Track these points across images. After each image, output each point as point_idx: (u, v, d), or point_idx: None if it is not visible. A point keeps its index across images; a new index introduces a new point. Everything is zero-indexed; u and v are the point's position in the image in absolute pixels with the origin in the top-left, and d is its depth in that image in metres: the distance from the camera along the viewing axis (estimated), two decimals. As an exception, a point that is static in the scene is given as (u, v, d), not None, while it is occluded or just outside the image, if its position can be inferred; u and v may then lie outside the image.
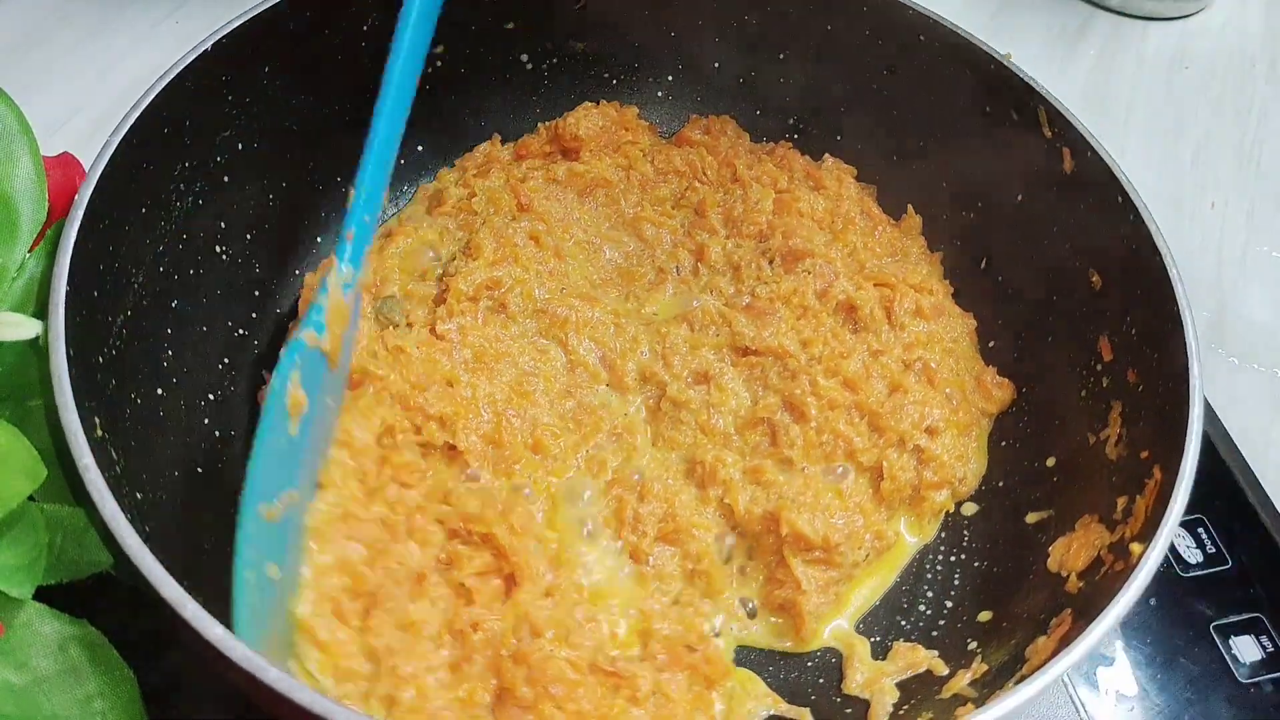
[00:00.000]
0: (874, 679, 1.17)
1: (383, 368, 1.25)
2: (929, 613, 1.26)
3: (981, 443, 1.36)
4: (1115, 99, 1.99)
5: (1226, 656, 1.30)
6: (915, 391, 1.32)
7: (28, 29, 1.86)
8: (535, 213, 1.45)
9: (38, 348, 1.01)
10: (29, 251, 1.10)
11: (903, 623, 1.26)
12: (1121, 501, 1.14)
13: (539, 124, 1.59)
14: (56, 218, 1.09)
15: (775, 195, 1.48)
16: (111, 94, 1.72)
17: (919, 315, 1.39)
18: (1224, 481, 1.44)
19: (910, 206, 1.52)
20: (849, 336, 1.37)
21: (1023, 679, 0.96)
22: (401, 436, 1.22)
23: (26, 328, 1.01)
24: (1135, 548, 1.04)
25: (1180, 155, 1.91)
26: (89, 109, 1.73)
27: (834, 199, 1.50)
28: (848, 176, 1.54)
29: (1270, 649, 1.30)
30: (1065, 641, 1.00)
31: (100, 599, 1.03)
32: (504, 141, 1.58)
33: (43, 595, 1.00)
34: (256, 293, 1.40)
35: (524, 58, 1.61)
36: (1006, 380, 1.38)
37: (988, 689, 1.08)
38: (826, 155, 1.56)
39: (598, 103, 1.58)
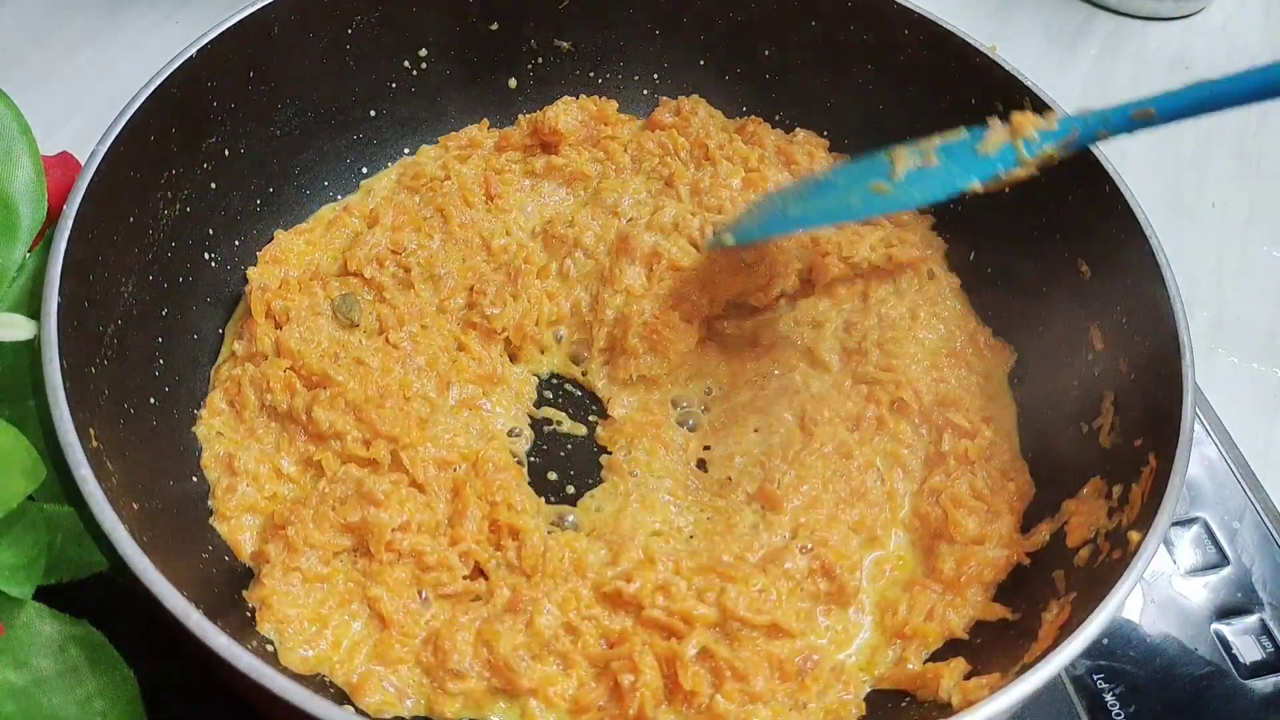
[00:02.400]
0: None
1: (342, 373, 1.30)
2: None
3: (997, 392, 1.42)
4: (1115, 99, 2.01)
5: (1226, 656, 1.33)
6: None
7: (28, 29, 1.90)
8: (498, 205, 1.53)
9: (35, 348, 1.04)
10: (29, 251, 1.14)
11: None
12: (1117, 490, 1.18)
13: (520, 115, 1.63)
14: (56, 217, 1.12)
15: (744, 174, 1.54)
16: (111, 94, 1.69)
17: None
18: (1224, 481, 1.48)
19: None
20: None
21: (1024, 669, 0.99)
22: (352, 444, 1.28)
23: (25, 328, 1.05)
24: (1133, 535, 1.08)
25: (1180, 155, 1.96)
26: (89, 109, 1.76)
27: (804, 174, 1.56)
28: (819, 151, 1.59)
29: (1270, 649, 1.34)
30: (1066, 631, 1.03)
31: (100, 599, 1.06)
32: (490, 126, 1.63)
33: (43, 595, 1.03)
34: (246, 299, 1.43)
35: (511, 82, 1.66)
36: (1001, 342, 1.44)
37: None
38: (798, 129, 1.62)
39: (577, 97, 1.62)
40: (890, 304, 1.44)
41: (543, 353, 1.45)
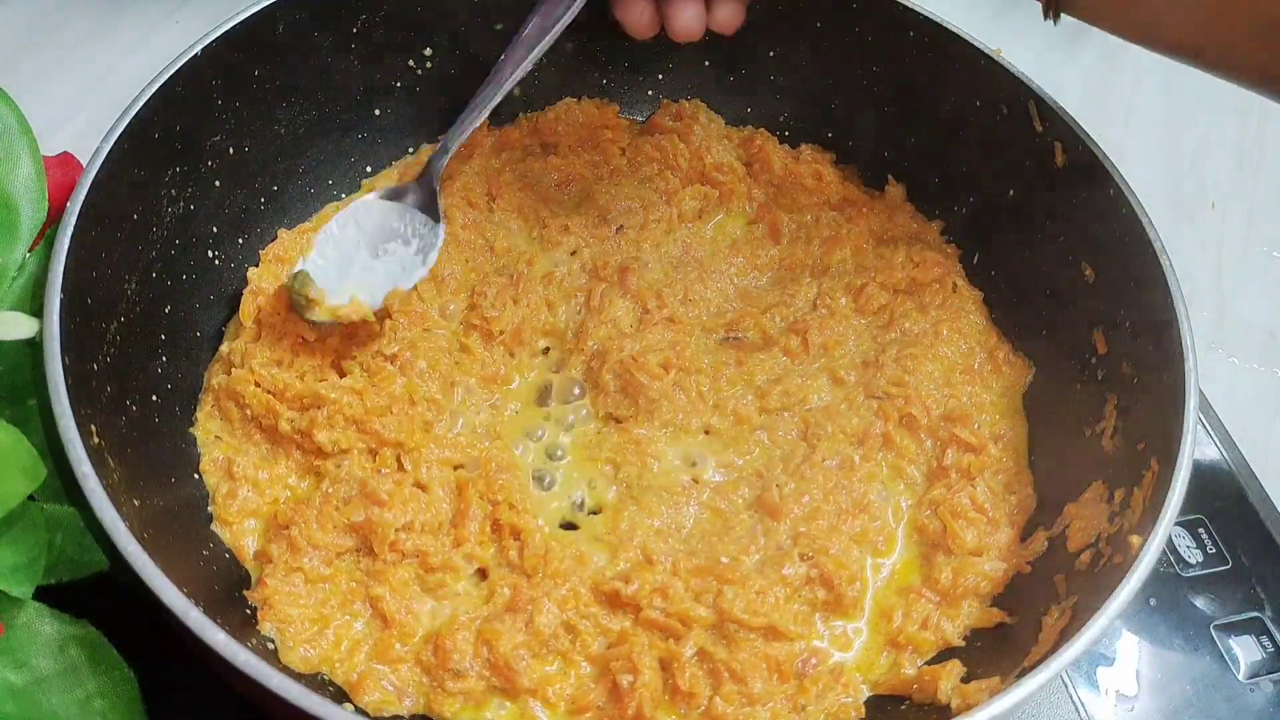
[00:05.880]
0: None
1: (334, 390, 1.27)
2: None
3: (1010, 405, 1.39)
4: (1115, 99, 2.02)
5: (1226, 656, 1.32)
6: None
7: (28, 29, 1.89)
8: (500, 205, 1.51)
9: (36, 346, 1.04)
10: (29, 251, 1.13)
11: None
12: (1119, 494, 1.17)
13: (520, 114, 1.62)
14: (56, 217, 1.12)
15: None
16: (111, 94, 1.71)
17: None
18: (1224, 481, 1.47)
19: (890, 176, 1.56)
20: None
21: (1023, 674, 0.97)
22: (358, 455, 1.26)
23: (26, 326, 1.04)
24: (1134, 540, 1.07)
25: (1180, 155, 1.95)
26: (89, 109, 1.75)
27: (811, 194, 1.55)
28: (826, 166, 1.57)
29: (1270, 649, 1.33)
30: (1065, 636, 1.03)
31: (100, 599, 1.05)
32: (491, 124, 1.61)
33: (43, 595, 1.02)
34: (250, 297, 1.42)
35: (515, 90, 1.63)
36: (1020, 358, 1.41)
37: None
38: (803, 145, 1.60)
39: (580, 98, 1.62)
40: (913, 319, 1.43)
41: (532, 357, 1.42)
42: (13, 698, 0.99)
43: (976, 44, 1.42)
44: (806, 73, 1.60)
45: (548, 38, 1.32)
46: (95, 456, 0.99)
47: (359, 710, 1.10)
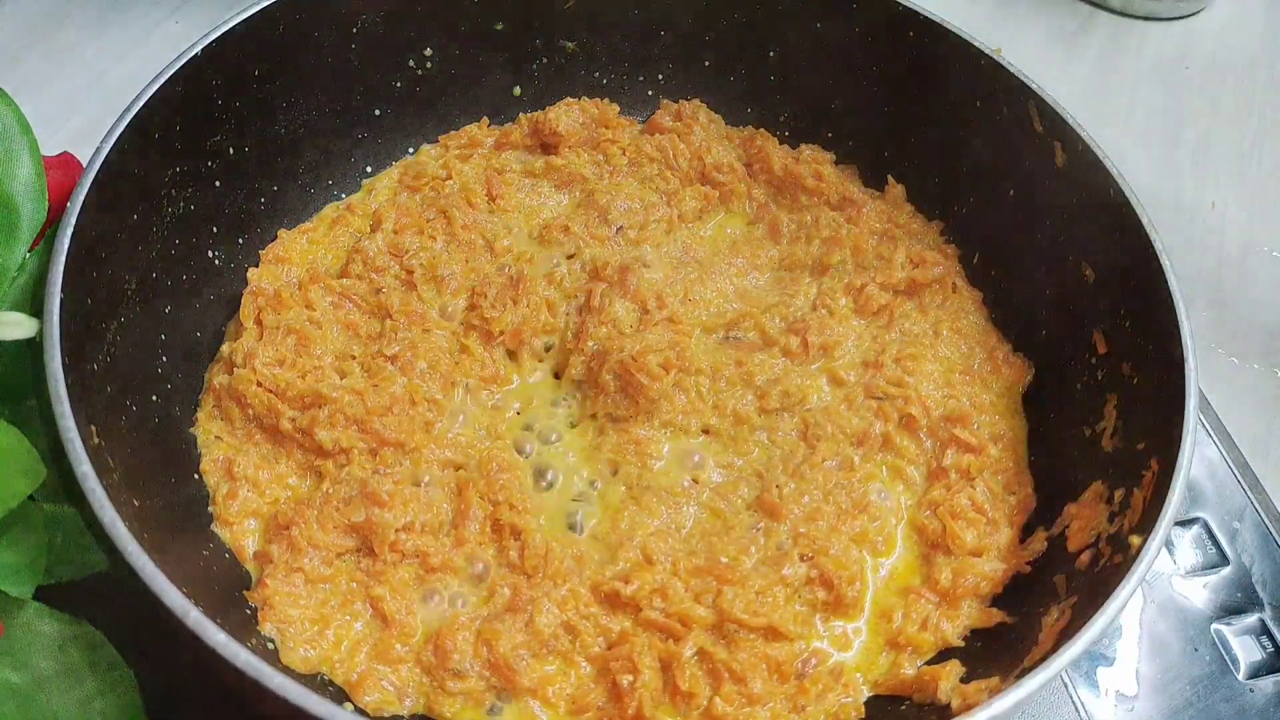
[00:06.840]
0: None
1: (336, 390, 1.27)
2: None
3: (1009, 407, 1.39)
4: (1115, 99, 2.02)
5: (1226, 656, 1.32)
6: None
7: (28, 29, 1.90)
8: (500, 205, 1.51)
9: (36, 346, 1.04)
10: (29, 251, 1.12)
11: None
12: (1119, 494, 1.17)
13: (521, 114, 1.62)
14: (56, 217, 1.11)
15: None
16: (111, 94, 1.74)
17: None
18: (1224, 481, 1.47)
19: (890, 176, 1.56)
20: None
21: (1023, 674, 0.97)
22: (358, 455, 1.26)
23: (26, 326, 1.04)
24: (1134, 540, 1.07)
25: (1180, 155, 1.94)
26: (89, 109, 1.75)
27: (812, 194, 1.54)
28: (825, 166, 1.56)
29: (1270, 649, 1.33)
30: (1065, 636, 1.02)
31: (100, 599, 1.05)
32: (491, 124, 1.62)
33: (43, 595, 1.02)
34: (250, 297, 1.41)
35: (516, 90, 1.65)
36: (1020, 358, 1.40)
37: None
38: (803, 145, 1.59)
39: (580, 98, 1.61)
40: (913, 319, 1.43)
41: (540, 360, 1.41)
42: (13, 698, 0.99)
43: (976, 44, 1.42)
44: (806, 73, 1.60)
45: None
46: (95, 456, 0.99)
47: (359, 710, 1.10)
